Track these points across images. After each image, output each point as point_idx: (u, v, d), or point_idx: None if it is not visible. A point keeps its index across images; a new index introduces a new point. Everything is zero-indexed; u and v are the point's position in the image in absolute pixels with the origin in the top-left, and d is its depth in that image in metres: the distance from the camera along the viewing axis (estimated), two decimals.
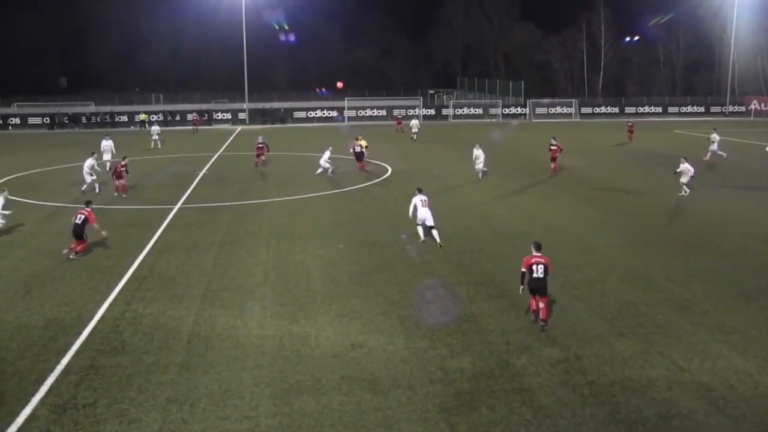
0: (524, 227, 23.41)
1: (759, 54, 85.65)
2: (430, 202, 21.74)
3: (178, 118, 74.08)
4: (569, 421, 10.71)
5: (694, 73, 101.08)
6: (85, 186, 30.28)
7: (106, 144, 38.49)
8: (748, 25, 79.43)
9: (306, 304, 16.08)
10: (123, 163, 30.17)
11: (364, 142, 37.76)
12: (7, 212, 23.65)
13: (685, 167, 28.31)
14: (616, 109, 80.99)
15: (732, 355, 12.98)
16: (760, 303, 15.79)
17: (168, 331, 14.45)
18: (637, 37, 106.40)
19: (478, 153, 33.77)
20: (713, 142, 40.26)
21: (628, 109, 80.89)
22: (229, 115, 75.91)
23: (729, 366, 12.52)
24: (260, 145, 38.24)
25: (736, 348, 13.31)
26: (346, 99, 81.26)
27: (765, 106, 77.22)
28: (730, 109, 79.24)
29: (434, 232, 21.07)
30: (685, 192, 28.32)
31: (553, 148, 35.24)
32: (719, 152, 39.74)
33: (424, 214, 21.27)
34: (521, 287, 14.69)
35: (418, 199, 21.58)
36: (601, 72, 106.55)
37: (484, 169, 33.72)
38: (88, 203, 21.01)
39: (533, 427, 10.56)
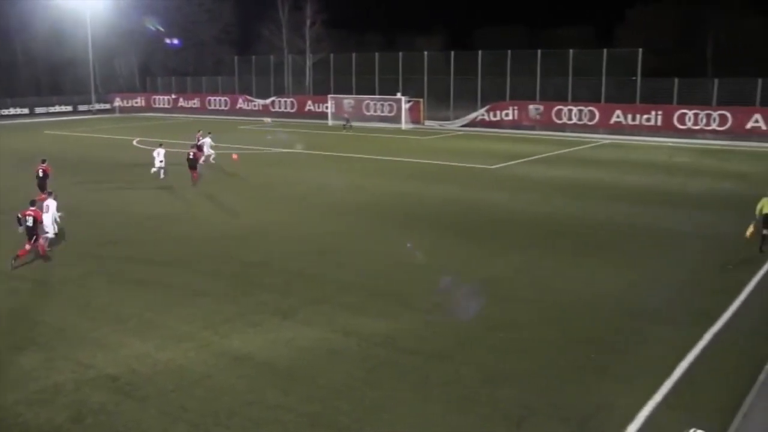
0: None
1: (115, 55, 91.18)
2: None
3: None
4: None
5: (60, 73, 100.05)
6: None
7: None
8: (104, 29, 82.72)
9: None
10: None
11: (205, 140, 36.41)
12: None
13: None
14: None
15: (131, 342, 13.66)
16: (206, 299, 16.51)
17: None
18: None
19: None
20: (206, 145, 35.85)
21: None
22: None
23: (130, 353, 13.12)
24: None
25: (134, 334, 14.08)
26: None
27: (128, 103, 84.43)
28: (97, 107, 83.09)
29: None
30: None
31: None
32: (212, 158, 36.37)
33: None
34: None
35: None
36: None
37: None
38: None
39: None
